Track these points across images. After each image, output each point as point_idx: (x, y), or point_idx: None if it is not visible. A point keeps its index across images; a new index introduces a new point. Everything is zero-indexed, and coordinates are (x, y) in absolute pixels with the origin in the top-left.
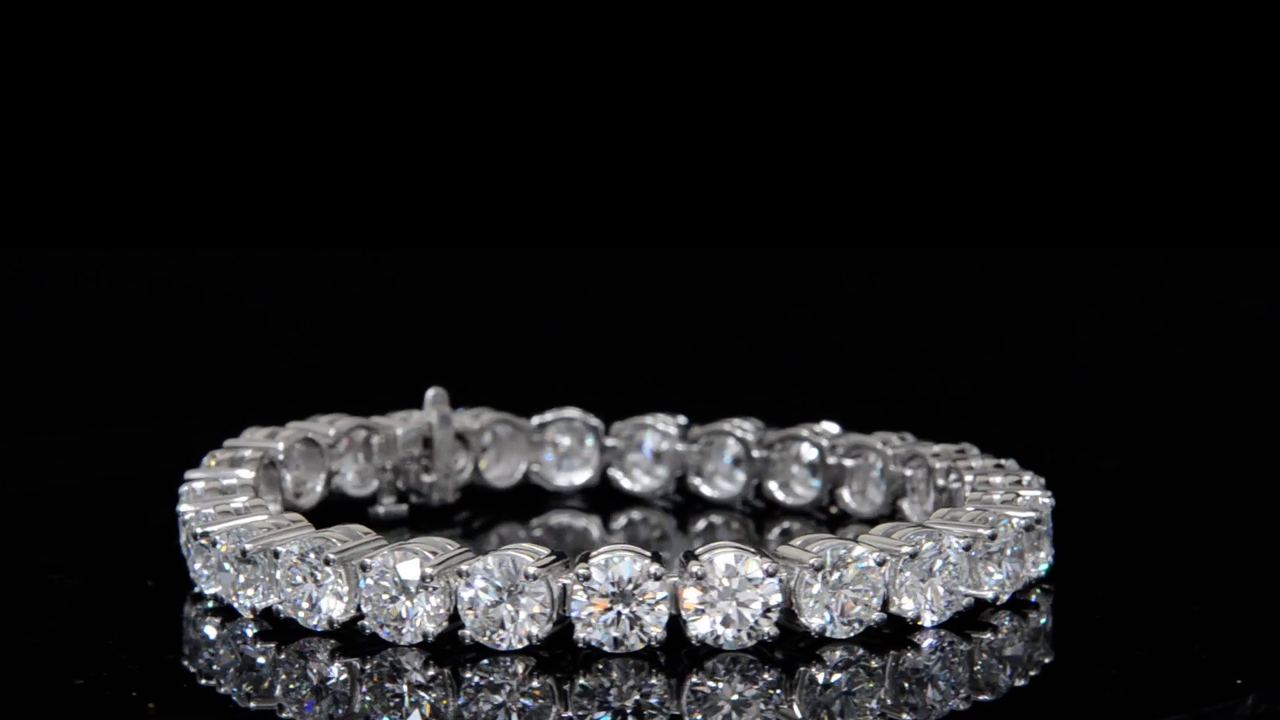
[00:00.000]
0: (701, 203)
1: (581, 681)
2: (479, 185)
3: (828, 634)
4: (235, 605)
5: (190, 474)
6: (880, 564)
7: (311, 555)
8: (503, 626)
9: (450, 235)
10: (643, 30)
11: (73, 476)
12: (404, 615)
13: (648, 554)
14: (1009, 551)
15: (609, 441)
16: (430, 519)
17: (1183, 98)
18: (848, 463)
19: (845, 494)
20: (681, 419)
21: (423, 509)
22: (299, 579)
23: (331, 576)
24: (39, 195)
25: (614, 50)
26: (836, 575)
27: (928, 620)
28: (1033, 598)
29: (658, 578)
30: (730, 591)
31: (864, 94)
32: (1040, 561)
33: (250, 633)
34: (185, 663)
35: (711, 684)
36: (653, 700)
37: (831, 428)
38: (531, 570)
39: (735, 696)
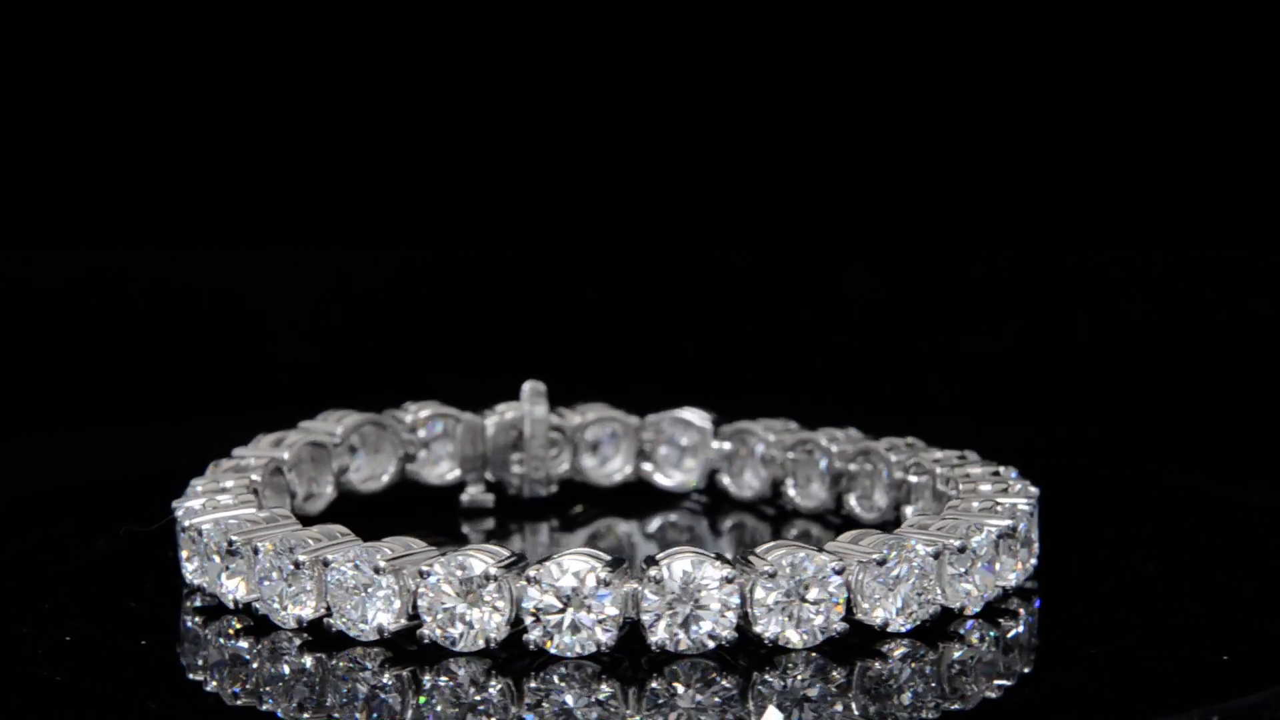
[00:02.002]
0: (701, 203)
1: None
2: (479, 185)
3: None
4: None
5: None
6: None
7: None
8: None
9: (450, 235)
10: (643, 30)
11: (73, 476)
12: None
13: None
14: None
15: (715, 444)
16: (518, 511)
17: (1183, 98)
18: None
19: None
20: (792, 424)
21: (515, 500)
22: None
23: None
24: (39, 195)
25: (614, 50)
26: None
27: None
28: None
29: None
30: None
31: (864, 94)
32: (1013, 570)
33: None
34: (182, 659)
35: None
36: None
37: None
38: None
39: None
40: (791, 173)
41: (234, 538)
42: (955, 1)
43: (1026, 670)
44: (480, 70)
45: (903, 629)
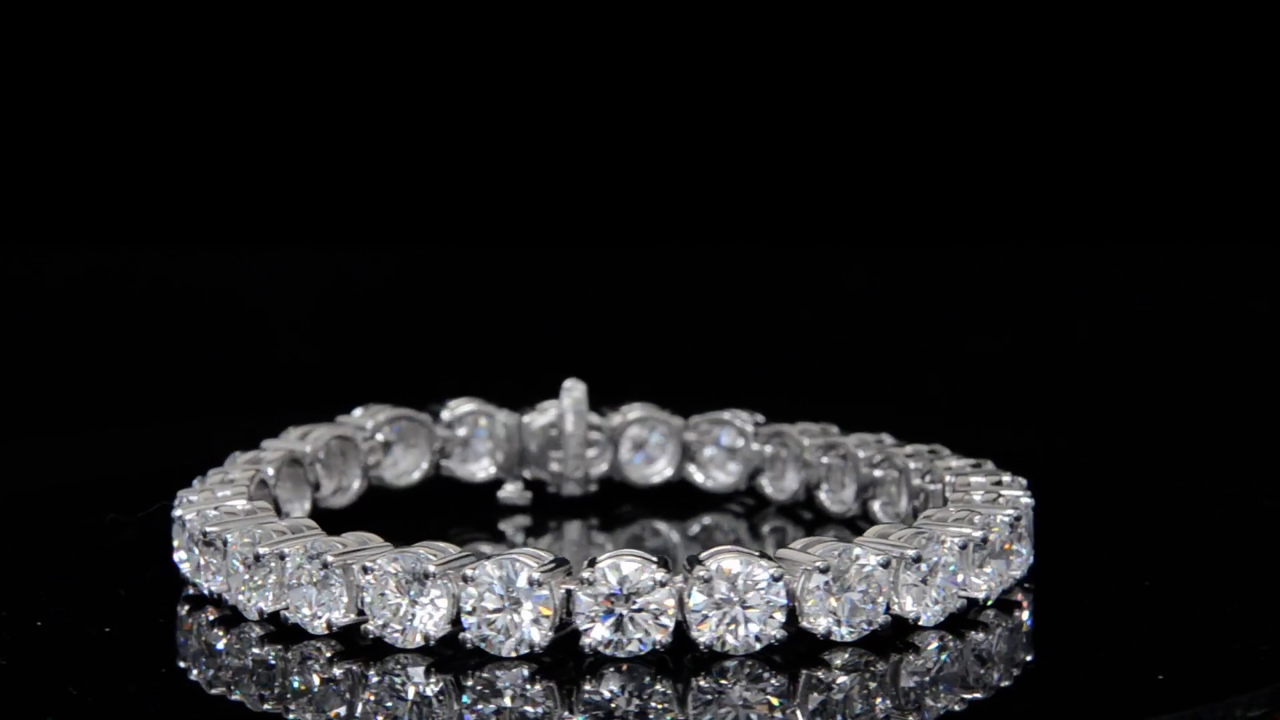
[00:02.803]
0: (701, 203)
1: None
2: (479, 185)
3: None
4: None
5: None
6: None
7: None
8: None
9: (450, 235)
10: (643, 30)
11: (73, 476)
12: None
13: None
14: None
15: (755, 445)
16: (556, 509)
17: (1183, 98)
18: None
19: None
20: (833, 429)
21: (555, 498)
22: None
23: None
24: (39, 195)
25: (613, 50)
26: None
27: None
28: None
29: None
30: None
31: (863, 94)
32: (985, 579)
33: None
34: (182, 663)
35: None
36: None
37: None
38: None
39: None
40: (791, 173)
41: (209, 529)
42: (955, 1)
43: (1015, 673)
44: (480, 70)
45: (846, 638)
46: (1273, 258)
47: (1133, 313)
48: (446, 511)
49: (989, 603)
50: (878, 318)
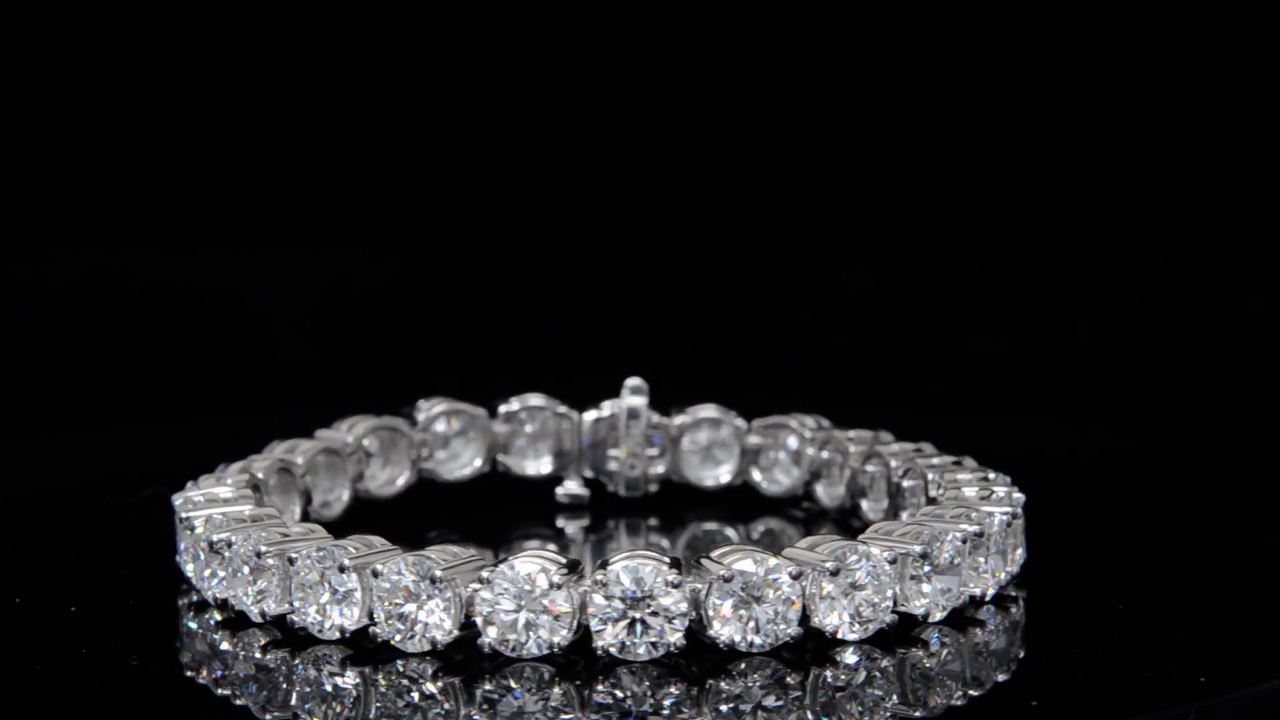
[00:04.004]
0: (701, 203)
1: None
2: (479, 185)
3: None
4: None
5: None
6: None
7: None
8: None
9: (450, 235)
10: (642, 30)
11: (73, 476)
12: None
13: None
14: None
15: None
16: (614, 507)
17: (1183, 98)
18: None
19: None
20: (886, 434)
21: (613, 497)
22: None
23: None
24: (39, 195)
25: (613, 50)
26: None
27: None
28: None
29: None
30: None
31: (863, 94)
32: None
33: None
34: (185, 663)
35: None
36: None
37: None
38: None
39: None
40: (791, 173)
41: (185, 512)
42: (955, 1)
43: (1009, 670)
44: (480, 70)
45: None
46: (1273, 258)
47: (1133, 313)
48: (503, 507)
49: (987, 599)
50: (878, 318)
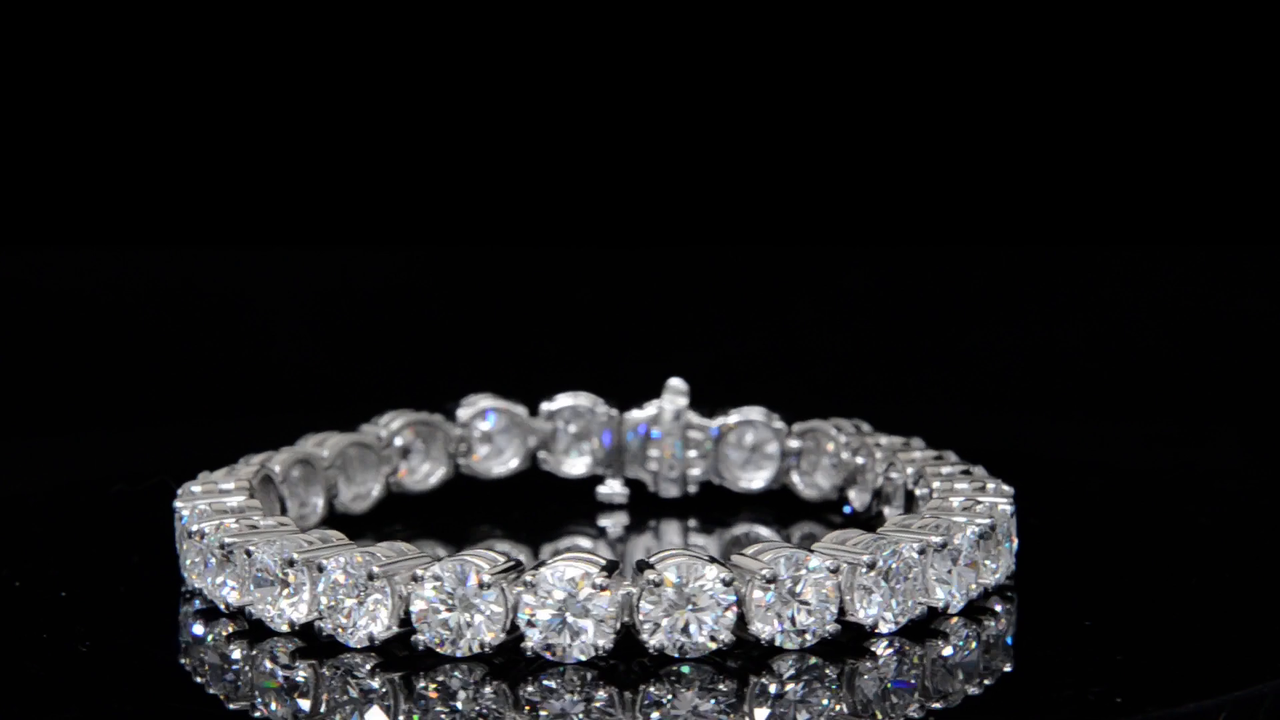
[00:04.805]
0: (701, 203)
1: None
2: (479, 185)
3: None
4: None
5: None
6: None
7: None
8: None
9: (450, 235)
10: (642, 30)
11: (73, 476)
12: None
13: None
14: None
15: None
16: (654, 508)
17: (1183, 98)
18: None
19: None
20: (919, 440)
21: (653, 498)
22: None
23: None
24: (39, 195)
25: (613, 50)
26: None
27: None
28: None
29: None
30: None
31: (863, 94)
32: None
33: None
34: (182, 660)
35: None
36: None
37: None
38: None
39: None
40: (791, 173)
41: (177, 503)
42: (955, 1)
43: (1007, 669)
44: (480, 70)
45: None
46: (1273, 258)
47: (1133, 313)
48: (547, 504)
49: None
50: (878, 318)
